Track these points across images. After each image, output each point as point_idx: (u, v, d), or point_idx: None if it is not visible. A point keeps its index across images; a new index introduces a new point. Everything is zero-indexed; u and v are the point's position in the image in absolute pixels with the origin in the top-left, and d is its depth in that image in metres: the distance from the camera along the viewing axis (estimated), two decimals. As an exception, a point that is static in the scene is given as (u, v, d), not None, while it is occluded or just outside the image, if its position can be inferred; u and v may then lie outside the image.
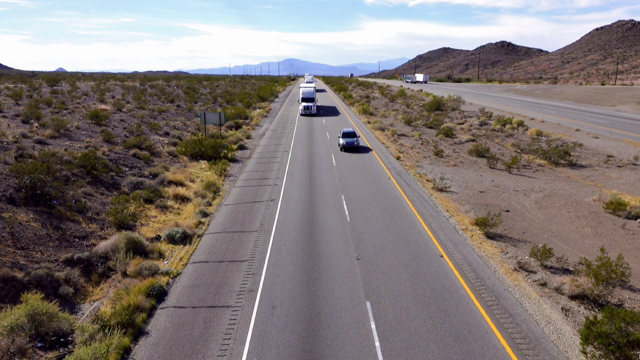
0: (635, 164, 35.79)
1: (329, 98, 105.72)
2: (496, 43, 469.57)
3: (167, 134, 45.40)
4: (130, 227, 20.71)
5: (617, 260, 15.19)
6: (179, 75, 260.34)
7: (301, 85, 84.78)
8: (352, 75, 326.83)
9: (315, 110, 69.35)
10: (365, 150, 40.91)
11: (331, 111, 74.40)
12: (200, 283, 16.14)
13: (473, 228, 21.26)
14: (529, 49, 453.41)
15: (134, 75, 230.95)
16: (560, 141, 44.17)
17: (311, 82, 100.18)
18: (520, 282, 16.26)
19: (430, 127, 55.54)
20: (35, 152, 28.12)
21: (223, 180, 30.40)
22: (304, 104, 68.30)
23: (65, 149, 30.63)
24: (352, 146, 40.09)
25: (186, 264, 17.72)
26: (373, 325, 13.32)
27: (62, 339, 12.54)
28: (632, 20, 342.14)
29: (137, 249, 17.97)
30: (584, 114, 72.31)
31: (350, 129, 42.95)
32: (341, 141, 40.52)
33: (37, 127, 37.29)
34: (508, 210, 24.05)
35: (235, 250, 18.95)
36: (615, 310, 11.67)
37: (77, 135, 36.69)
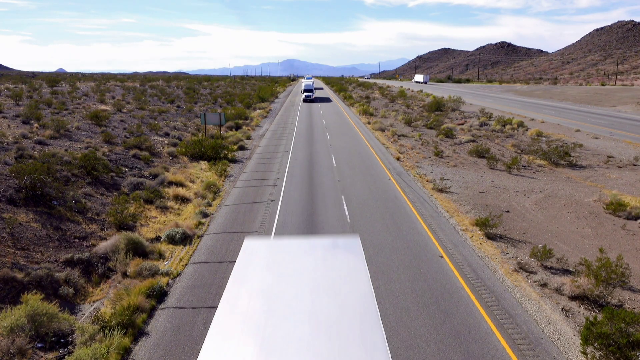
0: (635, 165, 35.79)
1: (328, 97, 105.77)
2: (496, 44, 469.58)
3: (167, 134, 45.40)
4: (130, 227, 20.71)
5: (617, 261, 15.20)
6: (179, 76, 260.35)
7: (303, 81, 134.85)
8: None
9: (313, 97, 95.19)
10: (365, 149, 40.92)
11: (335, 115, 74.31)
12: (201, 284, 16.14)
13: (473, 229, 21.26)
14: (529, 49, 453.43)
15: (134, 76, 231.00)
16: (561, 142, 44.18)
17: (310, 79, 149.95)
18: (521, 282, 16.26)
19: (431, 128, 55.52)
20: (36, 152, 28.12)
21: (223, 181, 30.40)
22: (305, 93, 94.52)
23: (66, 150, 30.63)
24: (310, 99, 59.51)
25: (186, 265, 17.72)
26: (373, 326, 13.30)
27: (62, 340, 12.54)
28: (632, 20, 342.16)
29: (137, 250, 17.97)
30: (584, 114, 72.31)
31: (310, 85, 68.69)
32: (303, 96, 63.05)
33: (37, 127, 37.30)
34: (508, 211, 24.05)
35: (235, 251, 18.92)
36: (616, 311, 11.67)
37: (77, 135, 36.70)
